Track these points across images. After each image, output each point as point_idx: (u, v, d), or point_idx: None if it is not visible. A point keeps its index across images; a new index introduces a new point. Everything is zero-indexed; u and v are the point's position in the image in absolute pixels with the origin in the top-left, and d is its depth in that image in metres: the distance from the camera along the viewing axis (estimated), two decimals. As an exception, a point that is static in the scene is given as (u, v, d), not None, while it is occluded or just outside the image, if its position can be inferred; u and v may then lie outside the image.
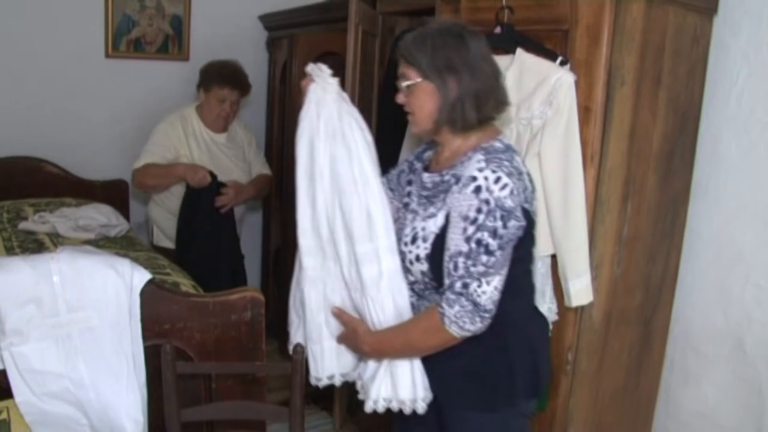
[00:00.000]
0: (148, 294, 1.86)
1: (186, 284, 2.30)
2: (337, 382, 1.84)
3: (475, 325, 1.56)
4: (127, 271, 1.82)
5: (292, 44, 3.67)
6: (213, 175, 3.06)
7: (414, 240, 1.66)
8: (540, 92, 1.84)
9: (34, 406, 1.75)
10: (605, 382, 2.07)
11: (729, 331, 2.15)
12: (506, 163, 1.58)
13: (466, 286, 1.55)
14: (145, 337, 1.86)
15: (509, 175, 1.55)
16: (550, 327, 1.93)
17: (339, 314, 1.77)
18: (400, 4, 2.60)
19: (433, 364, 1.69)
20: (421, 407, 1.68)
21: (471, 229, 1.54)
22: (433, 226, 1.64)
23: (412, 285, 1.73)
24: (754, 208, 2.08)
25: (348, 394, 2.94)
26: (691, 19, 2.00)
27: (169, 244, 3.22)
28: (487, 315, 1.57)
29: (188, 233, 3.12)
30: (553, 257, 1.91)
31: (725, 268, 2.16)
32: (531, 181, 1.66)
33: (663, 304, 2.21)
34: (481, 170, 1.56)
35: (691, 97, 2.09)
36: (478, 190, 1.54)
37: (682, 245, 2.22)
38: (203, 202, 3.09)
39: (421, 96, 1.64)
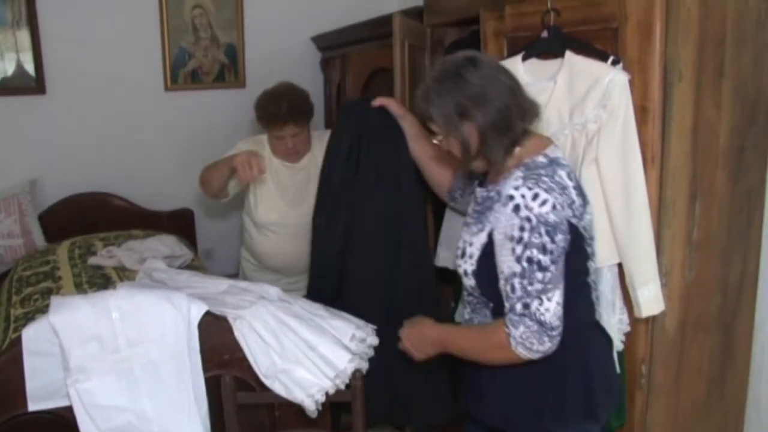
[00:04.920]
0: (206, 325, 1.86)
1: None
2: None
3: (544, 345, 1.52)
4: (184, 304, 1.83)
5: (345, 63, 3.68)
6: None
7: (463, 254, 1.68)
8: (593, 95, 1.76)
9: (101, 442, 1.77)
10: (685, 394, 1.95)
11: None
12: (545, 178, 1.54)
13: (527, 306, 1.51)
14: (205, 369, 1.87)
15: (548, 190, 1.52)
16: (619, 342, 1.83)
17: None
18: (446, 16, 2.55)
19: (481, 390, 1.70)
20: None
21: (519, 249, 1.51)
22: (478, 243, 1.64)
23: (468, 298, 1.76)
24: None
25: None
26: (753, 2, 1.87)
27: None
28: (555, 333, 1.52)
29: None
30: (620, 266, 1.82)
31: (812, 264, 2.01)
32: (581, 194, 1.62)
33: (744, 308, 2.07)
34: (517, 188, 1.54)
35: (759, 86, 1.95)
36: (517, 208, 1.52)
37: (761, 243, 2.08)
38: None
39: (453, 146, 1.66)
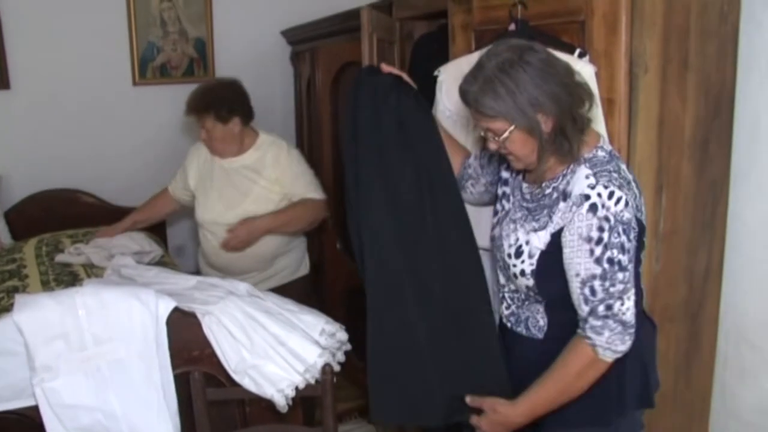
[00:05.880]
0: (174, 321, 1.84)
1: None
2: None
3: (625, 344, 1.52)
4: (152, 300, 1.81)
5: (314, 57, 3.65)
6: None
7: (519, 254, 1.62)
8: (560, 87, 1.76)
9: (68, 442, 1.74)
10: (652, 383, 1.97)
11: (785, 321, 2.03)
12: (615, 175, 1.50)
13: (609, 307, 1.49)
14: (174, 365, 1.85)
15: (620, 187, 1.48)
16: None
17: (471, 401, 1.71)
18: (414, 9, 2.55)
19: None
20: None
21: (599, 250, 1.47)
22: (539, 242, 1.58)
23: (511, 294, 1.72)
24: (801, 189, 1.96)
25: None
26: (717, -4, 1.90)
27: None
28: (633, 330, 1.52)
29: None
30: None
31: (775, 254, 2.04)
32: (638, 186, 1.58)
33: (710, 298, 2.10)
34: (592, 187, 1.48)
35: (723, 78, 1.98)
36: (593, 208, 1.47)
37: (725, 234, 2.11)
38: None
39: (517, 142, 1.53)
